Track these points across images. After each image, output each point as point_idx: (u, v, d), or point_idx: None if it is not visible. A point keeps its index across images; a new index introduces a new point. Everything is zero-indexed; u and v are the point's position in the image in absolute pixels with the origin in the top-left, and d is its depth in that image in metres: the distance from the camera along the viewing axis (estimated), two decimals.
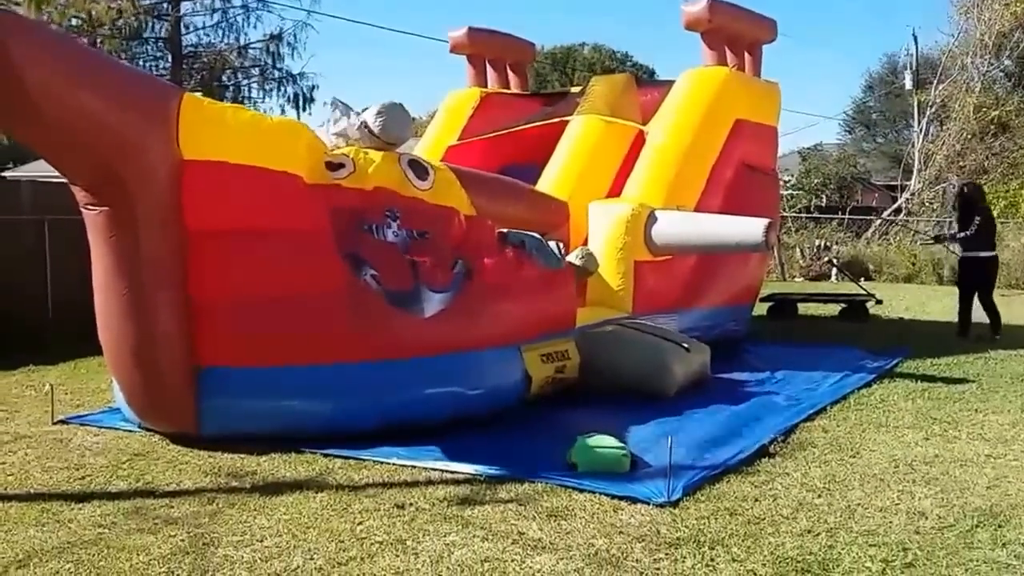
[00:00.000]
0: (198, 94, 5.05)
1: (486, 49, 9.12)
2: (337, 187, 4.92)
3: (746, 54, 7.95)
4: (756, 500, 3.82)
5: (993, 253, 8.67)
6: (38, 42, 3.91)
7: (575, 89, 8.97)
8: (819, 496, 3.88)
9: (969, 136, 20.56)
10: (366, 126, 5.23)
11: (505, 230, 5.74)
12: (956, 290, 8.90)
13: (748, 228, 6.19)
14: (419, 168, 5.43)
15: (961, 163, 20.57)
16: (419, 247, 5.01)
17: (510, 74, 9.31)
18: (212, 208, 4.49)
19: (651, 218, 6.60)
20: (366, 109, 5.34)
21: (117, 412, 5.11)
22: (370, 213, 4.95)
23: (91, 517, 3.56)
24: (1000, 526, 3.55)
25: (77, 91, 3.98)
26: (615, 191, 7.34)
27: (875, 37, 56.83)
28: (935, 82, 21.62)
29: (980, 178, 19.79)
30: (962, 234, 8.50)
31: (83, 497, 3.80)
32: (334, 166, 5.01)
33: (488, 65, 9.19)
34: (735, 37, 7.79)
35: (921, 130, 21.93)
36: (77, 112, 4.01)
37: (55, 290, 7.75)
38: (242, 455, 4.37)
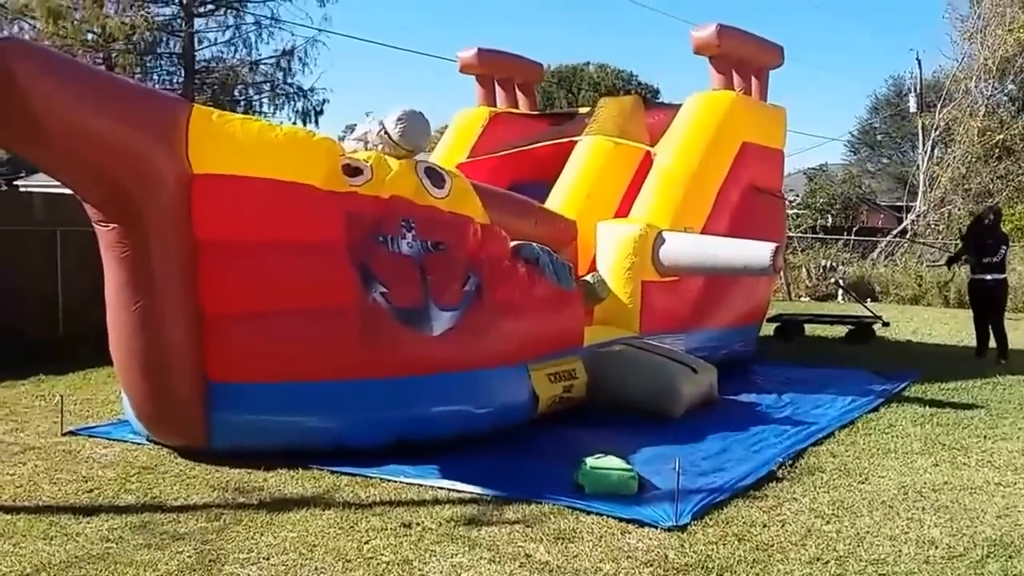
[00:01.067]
0: (209, 107, 5.03)
1: (495, 69, 9.22)
2: (353, 194, 4.91)
3: (753, 78, 8.01)
4: (764, 526, 3.80)
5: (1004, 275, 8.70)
6: (43, 66, 3.93)
7: (583, 110, 9.03)
8: (828, 523, 3.87)
9: (974, 159, 20.61)
10: (385, 131, 5.25)
11: (519, 242, 5.74)
12: (962, 312, 8.91)
13: (755, 252, 6.21)
14: (436, 176, 5.42)
15: (966, 186, 20.60)
16: (432, 260, 5.00)
17: (519, 94, 9.39)
18: (223, 222, 4.52)
19: (659, 239, 6.62)
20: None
21: (126, 424, 5.12)
22: (386, 223, 4.94)
23: (99, 531, 3.57)
24: (1011, 557, 3.52)
25: (83, 113, 4.01)
26: (623, 212, 7.38)
27: (880, 60, 57.16)
28: (939, 105, 21.71)
29: (985, 201, 19.80)
30: (995, 259, 8.48)
31: (91, 511, 3.80)
32: (352, 170, 4.99)
33: (497, 85, 9.28)
34: (743, 62, 7.86)
35: (926, 152, 21.99)
36: (84, 134, 4.04)
37: (66, 301, 7.79)
38: (250, 470, 4.37)
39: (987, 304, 8.65)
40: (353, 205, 4.89)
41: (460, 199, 5.49)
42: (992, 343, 8.71)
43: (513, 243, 5.71)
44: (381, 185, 5.06)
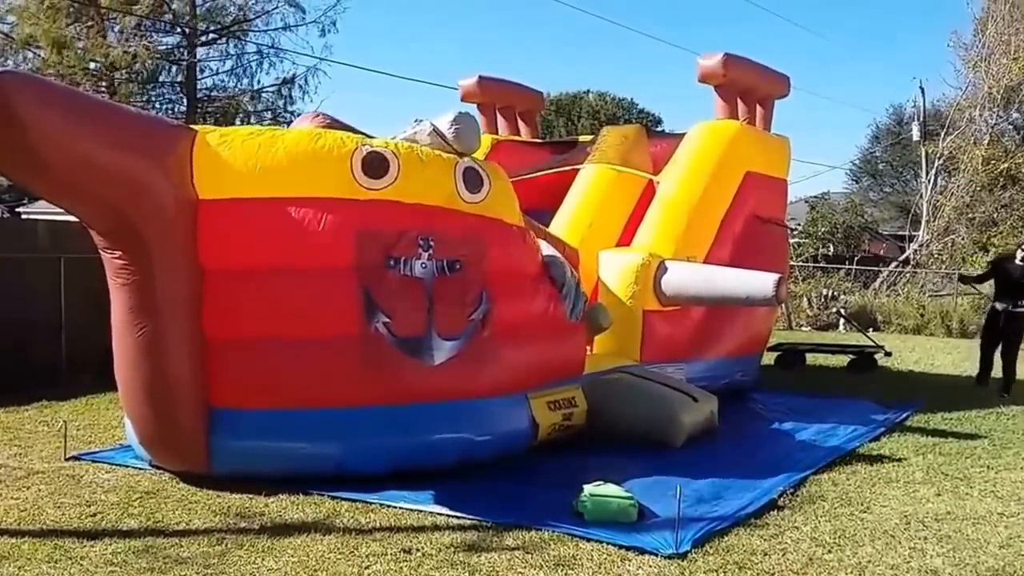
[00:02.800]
0: (213, 128, 4.90)
1: (496, 97, 9.33)
2: (369, 204, 4.70)
3: (758, 107, 8.10)
4: (765, 554, 3.79)
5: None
6: (43, 97, 3.95)
7: (585, 138, 9.13)
8: (829, 552, 3.86)
9: (978, 188, 20.65)
10: (438, 132, 5.12)
11: (553, 256, 5.70)
12: (964, 343, 8.87)
13: (759, 282, 6.22)
14: (474, 178, 5.13)
15: (970, 215, 20.63)
16: (444, 284, 4.85)
17: (520, 122, 9.50)
18: (228, 249, 4.56)
19: (661, 268, 6.65)
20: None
21: (129, 450, 5.14)
22: (401, 242, 4.74)
23: (102, 555, 3.58)
24: None
25: (84, 143, 4.02)
26: (625, 240, 7.43)
27: (882, 88, 57.65)
28: (943, 134, 21.82)
29: (990, 230, 19.84)
30: None
31: (95, 535, 3.82)
32: (376, 166, 4.73)
33: (498, 113, 9.39)
34: (748, 91, 7.95)
35: (929, 181, 22.06)
36: (85, 164, 4.05)
37: (69, 328, 7.84)
38: (251, 495, 4.38)
39: (1005, 336, 8.57)
40: (366, 221, 4.68)
41: (497, 202, 5.25)
42: (996, 373, 8.66)
43: (547, 254, 5.65)
44: (408, 187, 4.81)
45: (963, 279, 10.85)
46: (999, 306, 8.54)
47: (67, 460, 5.07)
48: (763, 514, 4.34)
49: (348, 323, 4.65)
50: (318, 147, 4.73)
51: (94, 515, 4.11)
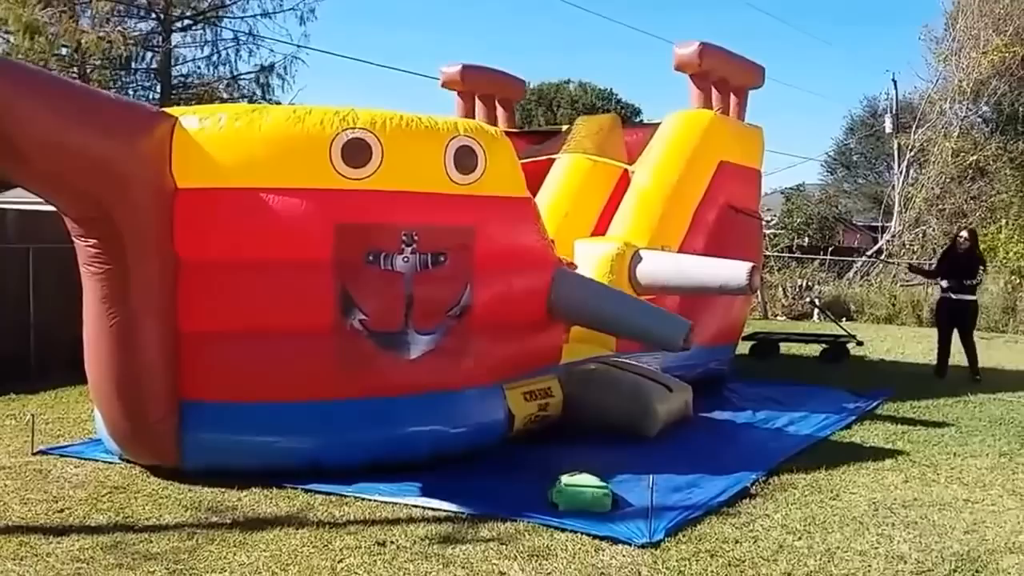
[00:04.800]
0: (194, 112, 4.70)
1: (478, 86, 9.25)
2: (350, 196, 4.56)
3: (733, 97, 8.14)
4: (737, 542, 3.84)
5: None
6: (16, 81, 3.84)
7: (564, 128, 9.11)
8: (799, 539, 3.91)
9: (948, 180, 20.98)
10: None
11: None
12: (935, 332, 9.04)
13: (732, 271, 6.27)
14: (467, 158, 4.86)
15: (940, 206, 20.95)
16: (425, 279, 4.75)
17: (499, 110, 9.46)
18: (205, 238, 4.48)
19: (636, 257, 6.67)
20: None
21: (98, 443, 5.07)
22: (383, 237, 4.62)
23: (69, 551, 3.53)
24: (977, 571, 3.59)
25: (59, 128, 3.91)
26: (600, 230, 7.44)
27: (856, 81, 58.26)
28: (914, 126, 22.12)
29: (959, 221, 20.17)
30: (974, 281, 8.63)
31: (62, 531, 3.76)
32: (358, 154, 4.54)
33: (478, 101, 9.33)
34: (723, 81, 7.97)
35: (901, 173, 22.36)
36: (59, 148, 3.94)
37: (38, 319, 7.70)
38: (223, 489, 4.34)
39: (959, 322, 8.77)
40: (346, 214, 4.55)
41: (493, 178, 5.00)
42: (958, 363, 8.83)
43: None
44: (392, 175, 4.61)
45: (912, 269, 11.03)
46: (951, 294, 8.70)
47: (34, 455, 4.99)
48: (735, 502, 4.39)
49: (324, 318, 4.60)
50: (298, 133, 4.55)
51: (61, 511, 4.05)
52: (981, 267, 8.72)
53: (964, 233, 9.01)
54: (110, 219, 4.26)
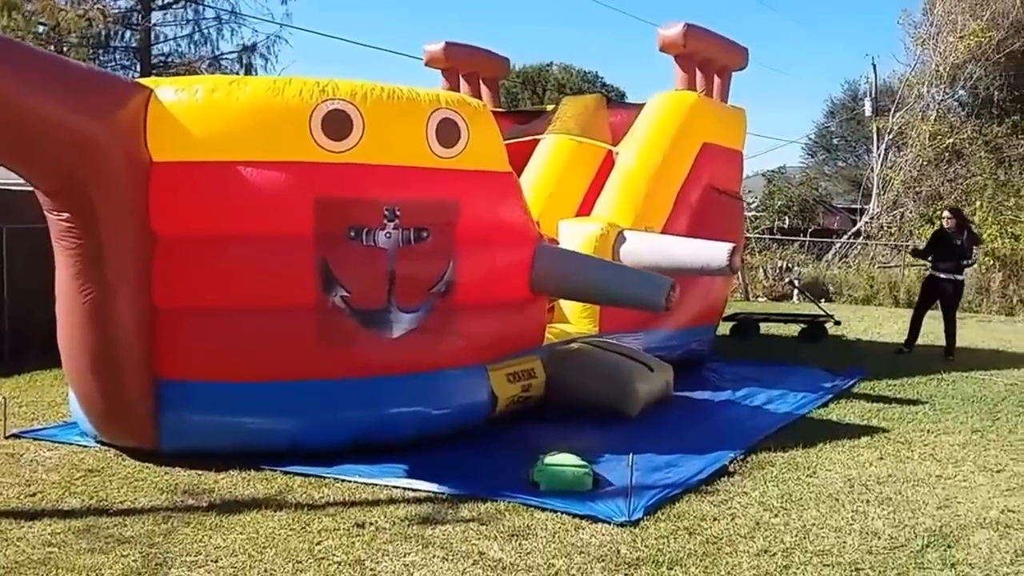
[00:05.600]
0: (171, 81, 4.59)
1: (461, 63, 9.16)
2: (330, 169, 4.47)
3: (716, 78, 8.12)
4: (715, 519, 3.87)
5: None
6: None
7: (549, 108, 9.06)
8: (776, 516, 3.95)
9: (925, 163, 21.19)
10: None
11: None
12: (901, 311, 9.14)
13: (713, 252, 6.29)
14: (449, 131, 4.80)
15: (917, 188, 21.17)
16: (408, 254, 4.68)
17: (483, 88, 9.37)
18: (182, 213, 4.40)
19: (619, 238, 6.67)
20: None
21: (72, 427, 5.00)
22: (365, 213, 4.53)
23: (41, 536, 3.48)
24: (949, 546, 3.65)
25: (26, 96, 3.78)
26: (584, 210, 7.43)
27: (837, 64, 58.48)
28: (893, 110, 22.28)
29: (936, 203, 20.41)
30: (970, 262, 8.72)
31: (34, 515, 3.71)
32: (338, 127, 4.45)
33: (462, 79, 9.24)
34: (707, 62, 7.95)
35: (880, 156, 22.53)
36: (28, 118, 3.82)
37: (12, 301, 7.56)
38: (200, 472, 4.30)
39: (944, 301, 8.85)
40: (326, 188, 4.45)
41: (476, 152, 4.95)
42: (931, 342, 8.96)
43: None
44: (373, 148, 4.53)
45: (915, 253, 11.08)
46: (941, 274, 8.78)
47: (7, 438, 4.90)
48: (714, 480, 4.43)
49: (304, 294, 4.53)
50: (277, 104, 4.44)
51: (34, 495, 3.99)
52: (975, 246, 8.77)
53: (946, 213, 9.11)
54: (82, 192, 4.16)
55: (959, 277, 8.80)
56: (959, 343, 9.10)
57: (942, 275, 8.80)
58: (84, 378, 4.54)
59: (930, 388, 7.23)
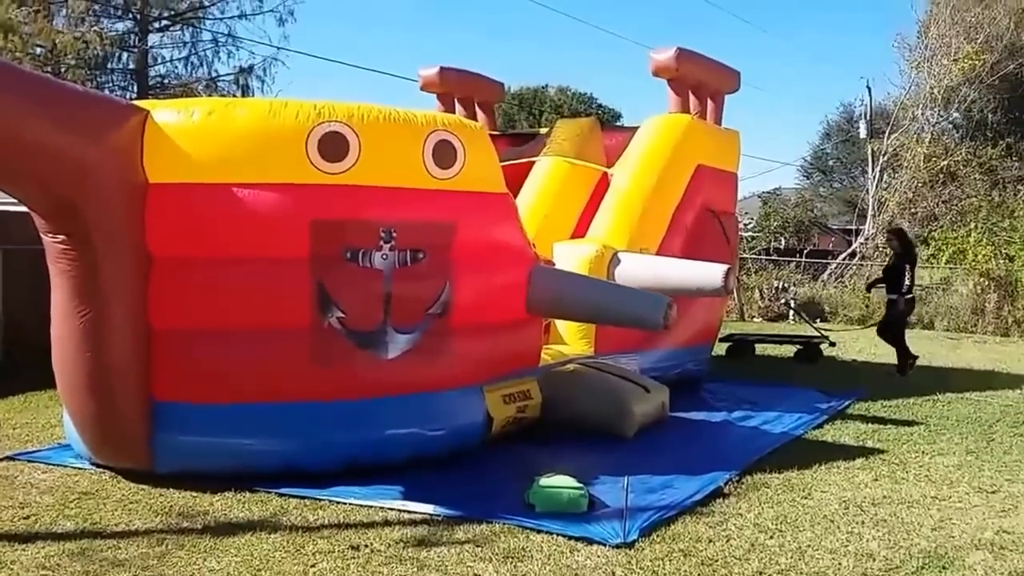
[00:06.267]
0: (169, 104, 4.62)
1: (456, 88, 9.27)
2: (327, 191, 4.50)
3: (709, 101, 8.22)
4: (710, 541, 3.87)
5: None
6: None
7: (543, 131, 9.15)
8: (771, 537, 3.95)
9: (920, 184, 21.35)
10: None
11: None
12: (907, 332, 9.21)
13: (708, 273, 6.34)
14: (446, 153, 4.82)
15: (912, 210, 21.30)
16: (404, 275, 4.69)
17: (479, 113, 9.46)
18: (178, 234, 4.42)
19: (614, 259, 6.71)
20: None
21: (67, 449, 4.99)
22: (360, 234, 4.55)
23: (35, 559, 3.46)
24: (944, 568, 3.64)
25: (24, 118, 3.81)
26: (579, 232, 7.47)
27: (832, 87, 59.07)
28: (887, 132, 22.48)
29: (930, 225, 20.55)
30: (905, 285, 8.91)
31: (28, 538, 3.69)
32: (335, 149, 4.48)
33: (457, 103, 9.33)
34: (700, 85, 8.05)
35: (875, 177, 22.69)
36: (23, 140, 3.85)
37: (8, 322, 7.57)
38: (195, 494, 4.29)
39: (896, 323, 9.13)
40: (322, 210, 4.47)
41: (473, 174, 4.97)
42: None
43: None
44: (369, 169, 4.55)
45: (869, 287, 11.05)
46: (891, 296, 9.08)
47: (1, 460, 4.89)
48: (709, 502, 4.43)
49: (300, 316, 4.55)
50: (273, 126, 4.48)
51: (27, 517, 3.97)
52: (908, 266, 9.00)
53: (886, 234, 9.32)
54: (78, 214, 4.17)
55: (893, 296, 8.99)
56: (954, 363, 9.13)
57: (892, 296, 9.07)
58: (79, 399, 4.54)
59: (925, 409, 7.24)
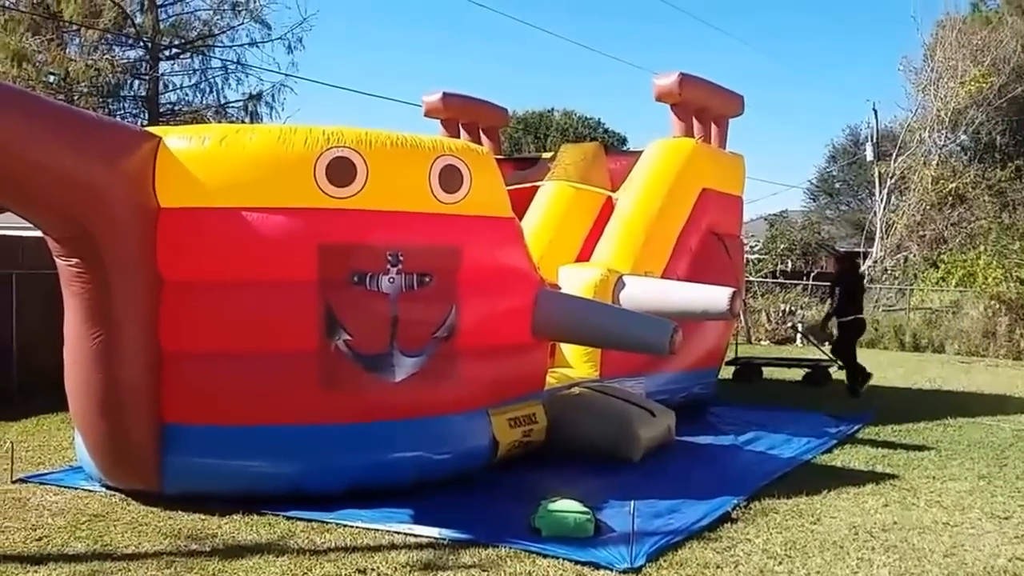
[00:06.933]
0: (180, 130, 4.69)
1: (460, 113, 9.38)
2: (334, 215, 4.56)
3: (713, 125, 8.29)
4: (718, 567, 3.85)
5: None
6: None
7: (547, 155, 9.23)
8: (780, 563, 3.93)
9: (928, 207, 21.34)
10: None
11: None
12: (915, 356, 9.23)
13: (714, 297, 6.34)
14: (452, 177, 4.88)
15: (921, 232, 21.28)
16: (411, 299, 4.72)
17: (483, 138, 9.57)
18: (189, 259, 4.49)
19: (619, 283, 6.74)
20: None
21: (79, 471, 5.02)
22: (367, 258, 4.60)
23: None
24: None
25: (37, 145, 3.88)
26: (584, 256, 7.52)
27: (838, 109, 59.25)
28: (895, 154, 22.52)
29: (939, 247, 20.50)
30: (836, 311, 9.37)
31: (39, 559, 3.72)
32: (342, 174, 4.54)
33: (462, 129, 9.44)
34: (703, 110, 8.13)
35: (882, 200, 22.69)
36: (38, 166, 3.91)
37: (21, 346, 7.65)
38: (203, 516, 4.31)
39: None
40: (330, 234, 4.54)
41: (479, 198, 5.03)
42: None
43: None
44: (376, 194, 4.62)
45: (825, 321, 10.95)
46: (840, 319, 9.48)
47: (13, 483, 4.93)
48: (717, 527, 4.41)
49: (308, 339, 4.59)
50: (282, 152, 4.55)
51: (40, 539, 4.00)
52: (839, 289, 9.39)
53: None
54: (91, 238, 4.25)
55: (842, 319, 9.38)
56: (966, 387, 9.07)
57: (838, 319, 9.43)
58: (90, 420, 4.58)
59: (936, 434, 7.19)
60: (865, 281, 10.21)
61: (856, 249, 22.02)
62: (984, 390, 9.98)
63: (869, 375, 9.28)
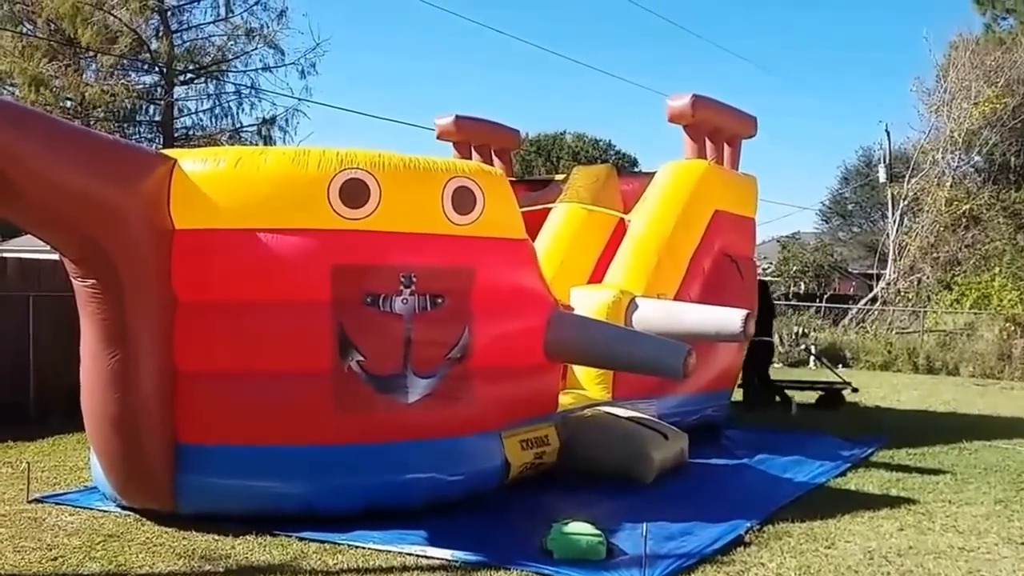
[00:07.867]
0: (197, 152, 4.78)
1: (472, 136, 9.46)
2: (348, 236, 4.61)
3: (726, 147, 8.32)
4: None
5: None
6: (15, 121, 3.90)
7: (559, 177, 9.29)
8: None
9: (941, 228, 21.23)
10: None
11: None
12: (930, 379, 9.15)
13: (727, 318, 6.33)
14: (465, 199, 4.90)
15: (934, 254, 21.16)
16: (424, 320, 4.75)
17: (496, 160, 9.66)
18: (203, 280, 4.54)
19: (632, 305, 6.74)
20: None
21: (94, 491, 5.06)
22: (381, 277, 4.64)
23: None
24: None
25: (55, 168, 3.94)
26: (596, 278, 7.54)
27: (851, 131, 59.28)
28: (908, 176, 22.46)
29: (953, 269, 20.37)
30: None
31: None
32: (355, 195, 4.58)
33: (474, 151, 9.53)
34: (716, 131, 8.16)
35: (895, 222, 22.61)
36: (56, 188, 3.98)
37: (37, 367, 7.74)
38: (217, 536, 4.33)
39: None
40: (343, 255, 4.58)
41: (492, 219, 5.05)
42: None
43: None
44: (389, 215, 4.65)
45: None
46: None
47: (30, 502, 4.97)
48: (730, 551, 4.38)
49: (321, 360, 4.62)
50: (296, 174, 4.60)
51: (55, 559, 4.03)
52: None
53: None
54: (108, 259, 4.31)
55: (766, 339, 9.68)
56: (981, 410, 8.98)
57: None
58: (105, 439, 4.62)
59: (951, 457, 7.12)
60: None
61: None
62: (1000, 413, 9.87)
63: (785, 400, 9.75)
